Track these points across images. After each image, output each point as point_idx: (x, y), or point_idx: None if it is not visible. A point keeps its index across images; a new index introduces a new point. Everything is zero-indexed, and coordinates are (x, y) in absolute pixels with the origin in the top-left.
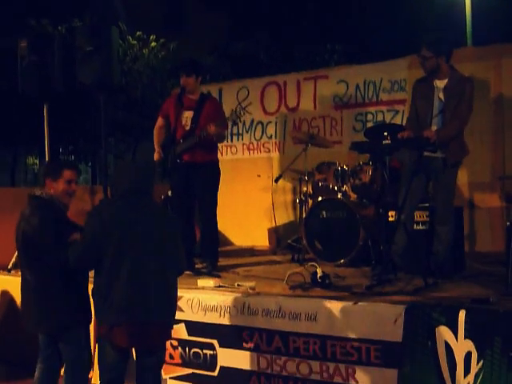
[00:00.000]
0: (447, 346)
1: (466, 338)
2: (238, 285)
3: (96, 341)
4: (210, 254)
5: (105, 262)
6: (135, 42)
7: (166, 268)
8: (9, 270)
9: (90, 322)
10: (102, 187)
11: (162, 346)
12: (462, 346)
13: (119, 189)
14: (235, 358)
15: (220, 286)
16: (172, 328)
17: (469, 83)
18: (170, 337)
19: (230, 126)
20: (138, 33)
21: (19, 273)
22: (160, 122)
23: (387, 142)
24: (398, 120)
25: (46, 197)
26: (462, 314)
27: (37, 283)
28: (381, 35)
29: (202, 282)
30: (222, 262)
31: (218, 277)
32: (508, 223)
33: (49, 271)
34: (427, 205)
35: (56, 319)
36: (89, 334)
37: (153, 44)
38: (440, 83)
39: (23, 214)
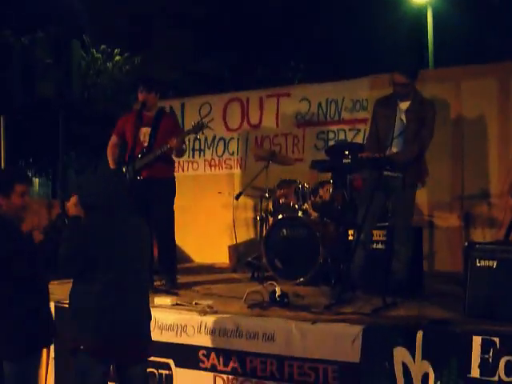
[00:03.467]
0: (405, 367)
1: (423, 358)
2: (196, 303)
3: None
4: (168, 270)
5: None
6: (99, 55)
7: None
8: None
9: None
10: (60, 202)
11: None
12: (419, 367)
13: (92, 203)
14: (191, 379)
15: (177, 304)
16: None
17: (431, 107)
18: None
19: (192, 139)
20: (103, 46)
21: None
22: (114, 139)
23: (347, 160)
24: (359, 139)
25: None
26: (419, 335)
27: None
28: (344, 54)
29: (158, 300)
30: (182, 279)
31: (176, 295)
32: (466, 243)
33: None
34: (386, 224)
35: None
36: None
37: (117, 58)
38: (403, 105)
39: None
